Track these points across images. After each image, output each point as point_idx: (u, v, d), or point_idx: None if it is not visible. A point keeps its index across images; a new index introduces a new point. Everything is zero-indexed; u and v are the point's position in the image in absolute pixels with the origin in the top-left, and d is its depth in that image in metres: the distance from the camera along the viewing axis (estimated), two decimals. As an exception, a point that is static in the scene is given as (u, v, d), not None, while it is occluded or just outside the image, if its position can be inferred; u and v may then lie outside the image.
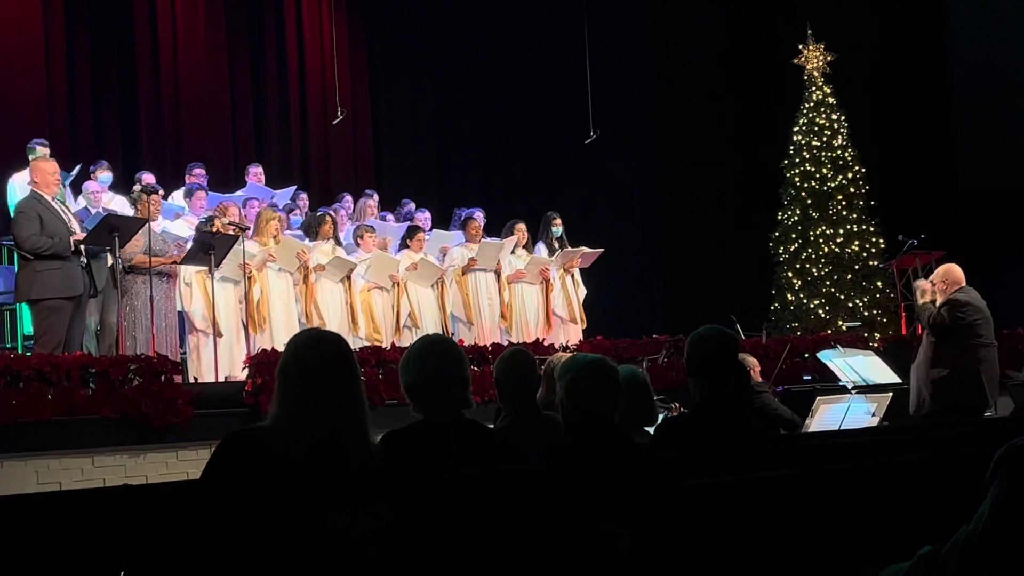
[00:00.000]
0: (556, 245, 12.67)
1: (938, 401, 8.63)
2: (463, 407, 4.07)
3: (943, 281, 9.03)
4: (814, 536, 3.72)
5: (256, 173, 13.07)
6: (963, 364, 8.62)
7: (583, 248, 12.72)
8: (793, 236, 15.67)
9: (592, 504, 3.76)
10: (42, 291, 8.90)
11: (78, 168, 11.38)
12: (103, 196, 11.06)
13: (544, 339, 11.28)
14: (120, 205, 10.83)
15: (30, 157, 10.77)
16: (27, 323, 9.99)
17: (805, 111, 16.03)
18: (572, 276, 12.66)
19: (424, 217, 12.91)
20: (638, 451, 4.53)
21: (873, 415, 8.97)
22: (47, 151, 10.73)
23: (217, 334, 10.11)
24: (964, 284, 8.94)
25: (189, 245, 9.98)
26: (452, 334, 11.44)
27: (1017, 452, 2.58)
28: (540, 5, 17.38)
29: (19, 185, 10.70)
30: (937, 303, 9.06)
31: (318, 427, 3.37)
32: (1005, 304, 9.00)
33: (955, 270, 9.05)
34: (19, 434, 7.58)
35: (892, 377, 9.92)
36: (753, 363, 8.49)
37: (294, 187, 13.51)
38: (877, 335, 13.31)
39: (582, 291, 12.74)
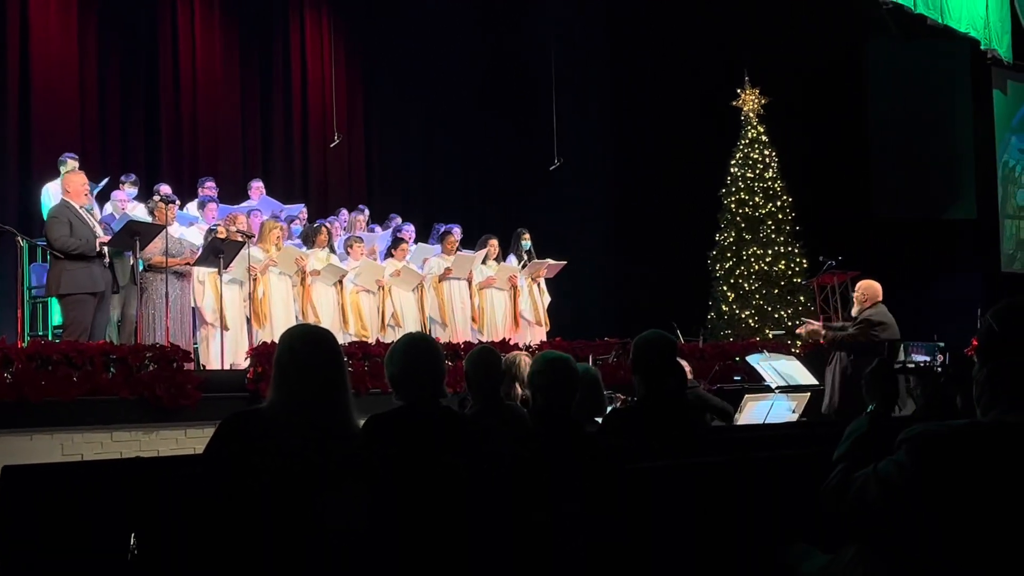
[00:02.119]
0: (525, 258, 12.68)
1: (845, 402, 8.60)
2: (439, 396, 4.07)
3: (864, 293, 9.01)
4: (741, 513, 3.73)
5: (258, 187, 13.05)
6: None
7: (548, 260, 12.73)
8: (728, 255, 15.74)
9: (563, 485, 3.75)
10: (69, 287, 8.87)
11: (106, 180, 11.31)
12: (128, 205, 11.03)
13: (511, 339, 11.28)
14: (141, 213, 10.78)
15: (61, 169, 10.71)
16: (56, 314, 9.93)
17: (741, 147, 16.12)
18: (538, 285, 12.68)
19: (409, 230, 12.86)
20: (592, 440, 4.53)
21: (793, 412, 9.02)
22: (76, 164, 10.67)
23: (224, 327, 10.06)
24: (881, 299, 8.90)
25: (201, 250, 9.94)
26: (429, 331, 11.45)
27: (917, 437, 2.62)
28: (515, 48, 17.41)
29: (52, 193, 10.63)
30: (853, 312, 9.07)
31: (309, 409, 3.37)
32: (907, 319, 9.01)
33: (875, 286, 9.02)
34: (47, 411, 7.54)
35: (810, 379, 9.95)
36: (684, 364, 8.46)
37: (302, 204, 13.48)
38: (798, 343, 13.37)
39: (546, 298, 12.76)
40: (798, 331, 10.15)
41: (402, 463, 3.57)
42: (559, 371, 4.20)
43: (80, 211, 9.09)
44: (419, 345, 4.12)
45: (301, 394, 3.39)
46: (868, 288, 9.01)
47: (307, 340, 3.53)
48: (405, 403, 4.02)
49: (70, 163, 10.74)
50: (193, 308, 10.21)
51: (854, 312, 9.12)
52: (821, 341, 9.33)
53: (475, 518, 3.54)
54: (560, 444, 4.05)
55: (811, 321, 9.59)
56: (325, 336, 3.60)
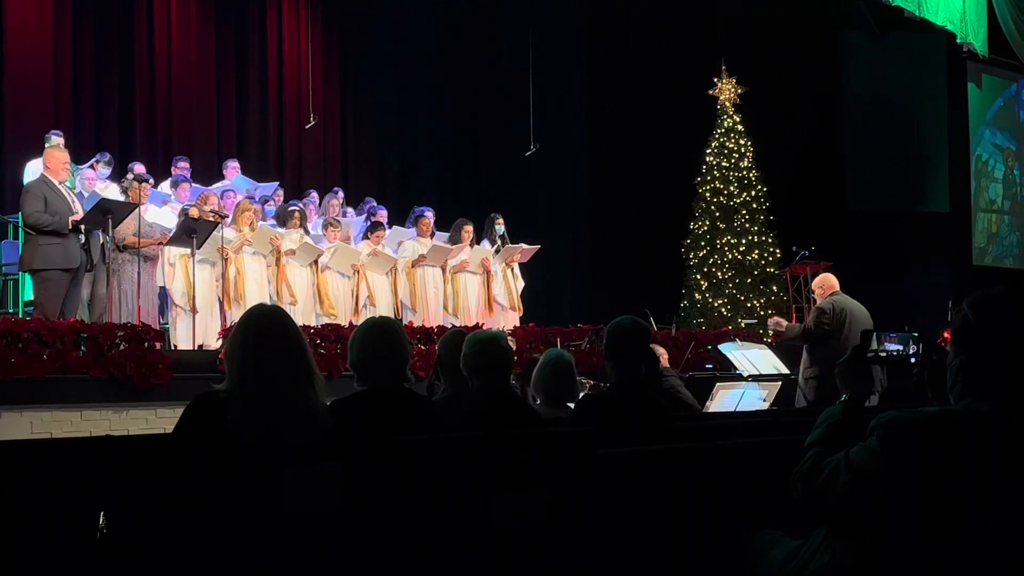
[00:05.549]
0: (498, 243, 12.67)
1: (810, 395, 8.63)
2: (402, 380, 4.07)
3: (820, 287, 9.06)
4: (711, 499, 3.75)
5: (233, 167, 13.01)
6: (832, 362, 8.59)
7: (522, 245, 12.72)
8: (702, 243, 15.79)
9: (514, 465, 3.75)
10: (42, 263, 8.85)
11: (97, 157, 11.26)
12: (97, 184, 10.96)
13: (484, 323, 11.27)
14: (113, 193, 10.71)
15: (46, 145, 10.67)
16: (27, 291, 9.88)
17: (717, 136, 16.16)
18: (512, 269, 12.67)
19: (383, 214, 12.84)
20: (544, 420, 4.56)
21: (764, 400, 9.05)
22: (61, 141, 10.66)
23: (193, 310, 10.03)
24: (838, 289, 8.93)
25: (173, 230, 9.89)
26: (400, 315, 11.48)
27: (889, 423, 2.65)
28: (492, 33, 17.37)
29: (32, 171, 10.58)
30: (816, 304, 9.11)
31: (259, 390, 3.37)
32: (879, 309, 9.03)
33: (830, 278, 9.08)
34: (17, 388, 7.50)
35: (782, 368, 9.99)
36: (661, 351, 8.46)
37: (276, 183, 13.42)
38: (771, 332, 13.43)
39: (520, 283, 12.75)
40: (769, 323, 10.22)
41: (365, 445, 3.57)
42: (492, 351, 4.24)
43: (59, 187, 9.07)
44: (379, 331, 4.11)
45: (250, 374, 3.39)
46: (823, 281, 9.07)
47: (253, 322, 3.52)
48: (368, 387, 4.02)
49: (55, 139, 10.74)
50: (161, 288, 10.18)
51: (817, 302, 9.16)
52: (783, 332, 9.37)
53: (431, 500, 3.54)
54: (507, 422, 4.08)
55: (781, 320, 9.64)
56: (275, 315, 3.58)
